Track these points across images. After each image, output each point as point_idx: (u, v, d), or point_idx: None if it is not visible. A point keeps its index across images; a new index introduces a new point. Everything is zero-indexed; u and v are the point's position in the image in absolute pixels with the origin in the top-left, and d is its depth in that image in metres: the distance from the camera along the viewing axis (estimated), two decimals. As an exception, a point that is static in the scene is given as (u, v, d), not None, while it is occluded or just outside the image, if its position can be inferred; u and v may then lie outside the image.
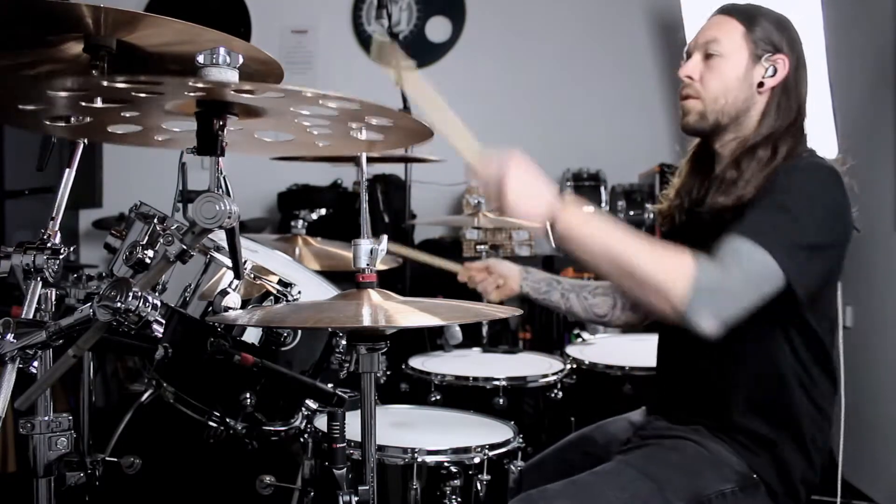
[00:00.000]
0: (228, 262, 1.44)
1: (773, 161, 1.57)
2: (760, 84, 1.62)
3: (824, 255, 1.50)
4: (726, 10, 1.68)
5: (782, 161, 1.57)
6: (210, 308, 1.45)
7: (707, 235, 1.52)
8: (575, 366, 2.40)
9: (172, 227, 1.08)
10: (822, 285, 1.54)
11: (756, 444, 1.58)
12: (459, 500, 1.58)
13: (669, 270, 1.40)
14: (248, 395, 1.59)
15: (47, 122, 1.16)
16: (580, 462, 1.73)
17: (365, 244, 1.26)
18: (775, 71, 1.62)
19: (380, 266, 1.30)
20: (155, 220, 1.36)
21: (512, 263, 2.10)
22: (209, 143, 1.05)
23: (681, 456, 1.58)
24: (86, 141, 1.37)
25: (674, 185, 1.80)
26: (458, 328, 2.52)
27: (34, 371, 1.22)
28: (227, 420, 1.62)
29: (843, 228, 1.54)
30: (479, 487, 1.59)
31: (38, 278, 1.25)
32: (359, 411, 1.27)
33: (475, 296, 2.84)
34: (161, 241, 1.08)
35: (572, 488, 1.54)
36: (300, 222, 2.67)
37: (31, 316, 1.23)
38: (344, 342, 1.76)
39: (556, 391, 2.24)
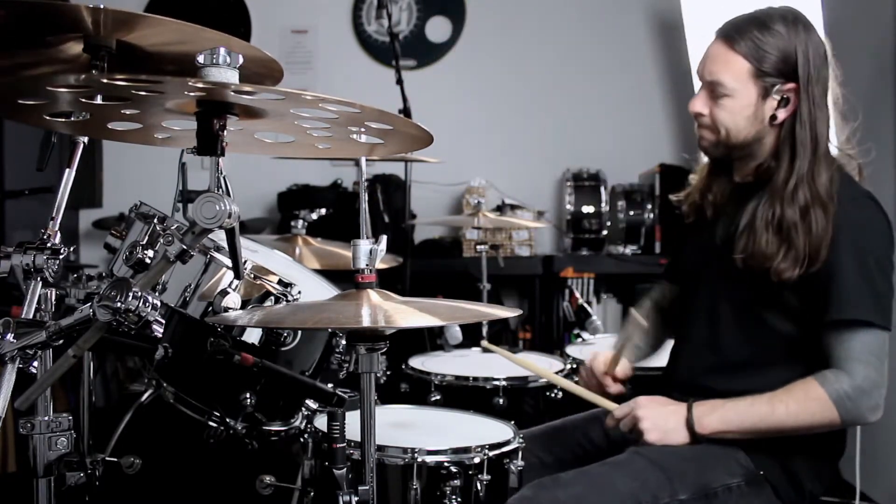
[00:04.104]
0: (228, 262, 1.44)
1: (819, 206, 1.55)
2: (773, 117, 1.60)
3: (892, 285, 1.58)
4: (728, 38, 1.61)
5: (830, 201, 1.56)
6: (210, 308, 1.45)
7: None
8: (575, 366, 2.40)
9: (172, 227, 1.08)
10: None
11: (763, 445, 1.59)
12: (459, 500, 1.57)
13: (812, 411, 1.52)
14: (248, 395, 1.59)
15: (47, 118, 1.16)
16: (592, 442, 1.80)
17: (364, 244, 1.26)
18: (788, 101, 1.59)
19: (379, 265, 1.29)
20: (155, 220, 1.36)
21: (608, 353, 1.89)
22: (209, 143, 1.05)
23: (692, 448, 1.60)
24: (86, 140, 1.37)
25: (694, 183, 1.83)
26: (458, 328, 2.52)
27: (34, 371, 1.21)
28: (227, 420, 1.62)
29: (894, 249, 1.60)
30: (479, 487, 1.59)
31: (38, 278, 1.25)
32: (358, 411, 1.26)
33: (475, 296, 2.85)
34: (161, 241, 1.08)
35: (584, 477, 1.56)
36: (300, 222, 2.67)
37: (31, 316, 1.23)
38: (344, 342, 1.76)
39: (556, 391, 2.24)
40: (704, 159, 1.82)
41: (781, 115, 1.60)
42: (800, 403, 1.52)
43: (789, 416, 1.53)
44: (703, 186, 1.80)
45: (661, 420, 1.60)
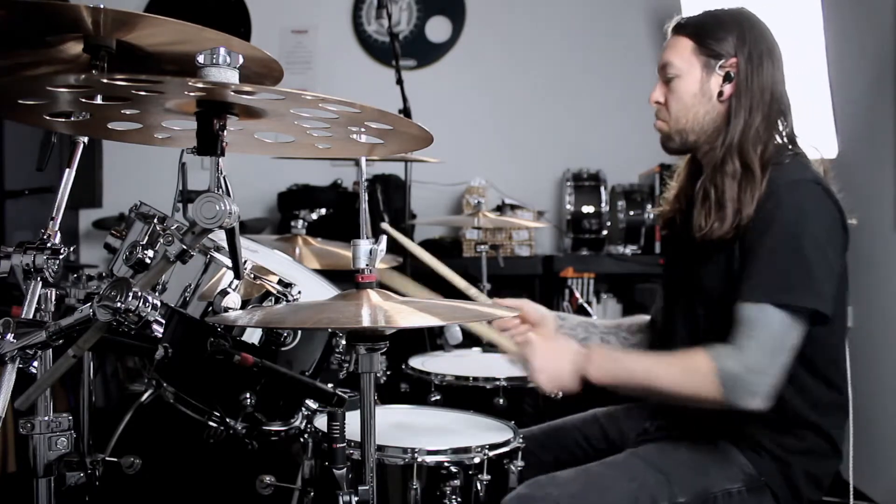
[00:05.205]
0: (228, 262, 1.44)
1: (749, 174, 1.56)
2: (720, 94, 1.63)
3: (833, 270, 1.52)
4: (678, 29, 1.70)
5: (761, 171, 1.56)
6: (210, 308, 1.45)
7: (702, 253, 1.61)
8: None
9: (172, 227, 1.08)
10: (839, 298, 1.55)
11: (764, 452, 1.59)
12: (459, 500, 1.58)
13: (695, 381, 1.50)
14: (248, 395, 1.59)
15: (47, 118, 1.16)
16: (590, 442, 1.81)
17: (364, 244, 1.26)
18: (732, 77, 1.62)
19: (379, 265, 1.29)
20: (155, 220, 1.36)
21: (543, 308, 1.92)
22: (209, 143, 1.05)
23: (691, 451, 1.60)
24: (86, 140, 1.37)
25: (672, 189, 1.84)
26: (458, 328, 2.52)
27: (34, 371, 1.22)
28: (227, 420, 1.62)
29: (841, 237, 1.56)
30: (479, 487, 1.59)
31: (38, 278, 1.25)
32: (358, 411, 1.26)
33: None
34: (161, 241, 1.08)
35: (582, 475, 1.57)
36: (300, 222, 2.66)
37: (31, 316, 1.23)
38: (344, 342, 1.76)
39: (556, 392, 2.24)
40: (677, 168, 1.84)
41: (727, 90, 1.63)
42: (684, 372, 1.51)
43: (671, 382, 1.52)
44: (675, 195, 1.81)
45: (552, 363, 1.61)
